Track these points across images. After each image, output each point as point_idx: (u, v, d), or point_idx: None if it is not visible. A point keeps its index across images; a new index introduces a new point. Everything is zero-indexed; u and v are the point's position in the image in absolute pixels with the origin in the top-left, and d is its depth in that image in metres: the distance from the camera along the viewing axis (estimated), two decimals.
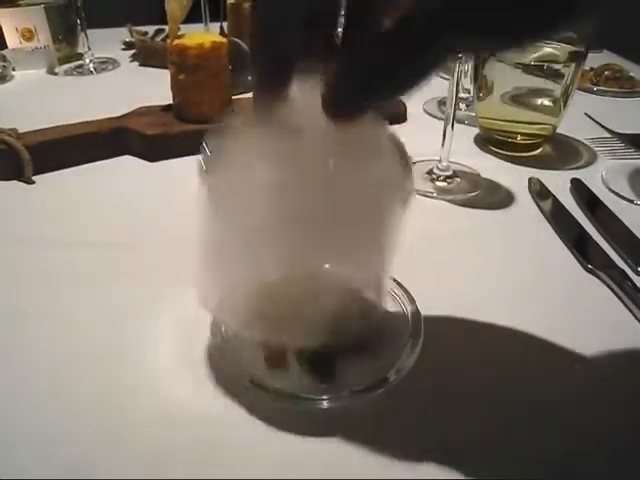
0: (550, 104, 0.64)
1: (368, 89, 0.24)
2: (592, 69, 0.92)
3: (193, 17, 0.82)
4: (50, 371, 0.37)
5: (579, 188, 0.59)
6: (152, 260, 0.48)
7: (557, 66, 0.62)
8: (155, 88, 0.73)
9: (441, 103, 0.83)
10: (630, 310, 0.42)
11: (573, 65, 0.61)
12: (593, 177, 0.62)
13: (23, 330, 0.40)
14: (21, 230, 0.52)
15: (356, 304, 0.38)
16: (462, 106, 0.80)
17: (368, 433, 0.33)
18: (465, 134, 0.72)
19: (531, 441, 0.32)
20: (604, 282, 0.45)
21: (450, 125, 0.57)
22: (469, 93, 0.79)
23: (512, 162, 0.66)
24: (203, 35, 0.68)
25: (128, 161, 0.66)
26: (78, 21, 0.97)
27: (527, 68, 0.63)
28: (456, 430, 0.33)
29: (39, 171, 0.61)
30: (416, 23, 0.21)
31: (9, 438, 0.32)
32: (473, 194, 0.59)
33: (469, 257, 0.49)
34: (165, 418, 0.33)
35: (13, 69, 0.96)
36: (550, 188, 0.59)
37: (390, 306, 0.41)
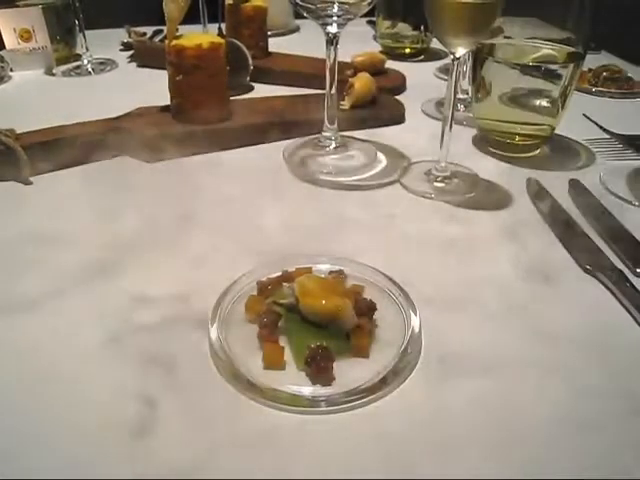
0: (548, 105, 0.64)
1: None
2: (590, 70, 0.92)
3: (191, 18, 0.82)
4: (48, 368, 0.36)
5: (577, 189, 0.59)
6: (150, 260, 0.48)
7: (555, 67, 0.62)
8: (153, 89, 0.73)
9: (439, 104, 0.83)
10: (628, 311, 0.42)
11: (571, 66, 0.61)
12: (591, 178, 0.62)
13: (19, 327, 0.40)
14: (18, 231, 0.52)
15: (355, 304, 0.38)
16: (460, 107, 0.80)
17: (366, 435, 0.33)
18: (463, 135, 0.72)
19: (531, 443, 0.32)
20: (602, 283, 0.45)
21: (448, 126, 0.57)
22: (467, 94, 0.79)
23: (510, 163, 0.66)
24: (201, 36, 0.68)
25: (126, 162, 0.66)
26: (76, 22, 0.97)
27: (525, 69, 0.63)
28: (455, 432, 0.33)
29: (37, 172, 0.61)
30: None
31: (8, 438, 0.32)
32: (471, 195, 0.59)
33: (467, 258, 0.49)
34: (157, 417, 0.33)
35: (11, 70, 0.96)
36: (548, 189, 0.58)
37: (388, 307, 0.41)
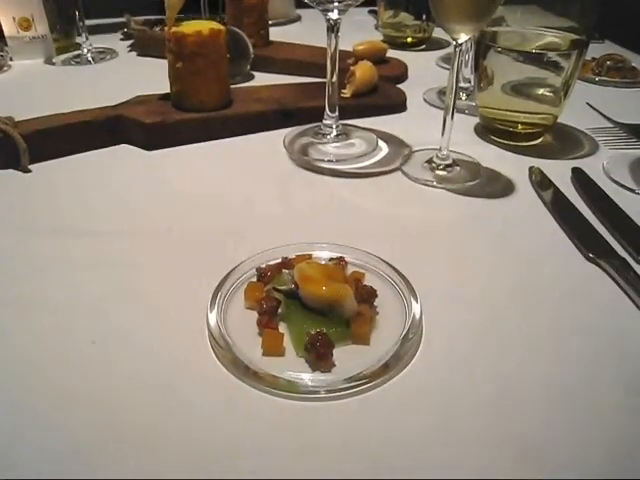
0: (551, 94, 0.64)
1: None
2: (594, 59, 0.92)
3: (191, 8, 0.81)
4: (36, 360, 0.36)
5: (580, 177, 0.59)
6: (150, 249, 0.47)
7: (558, 56, 0.62)
8: (153, 78, 0.72)
9: (441, 92, 0.82)
10: (631, 299, 0.41)
11: (575, 54, 0.61)
12: (594, 166, 0.61)
13: (13, 318, 0.40)
14: (17, 219, 0.52)
15: (355, 291, 0.38)
16: (462, 95, 0.79)
17: (367, 422, 0.32)
18: (465, 123, 0.71)
19: (534, 436, 0.32)
20: (605, 271, 0.45)
21: (450, 114, 0.57)
22: (469, 83, 0.79)
23: (513, 151, 0.65)
24: (201, 23, 0.67)
25: (126, 150, 0.65)
26: (76, 11, 0.96)
27: (528, 57, 0.62)
28: (458, 420, 0.33)
29: (36, 160, 0.60)
30: None
31: None
32: (473, 183, 0.58)
33: (469, 246, 0.49)
34: (157, 406, 0.33)
35: (10, 59, 0.96)
36: (551, 177, 0.58)
37: (389, 294, 0.40)
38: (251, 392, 0.34)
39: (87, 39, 1.00)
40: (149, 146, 0.65)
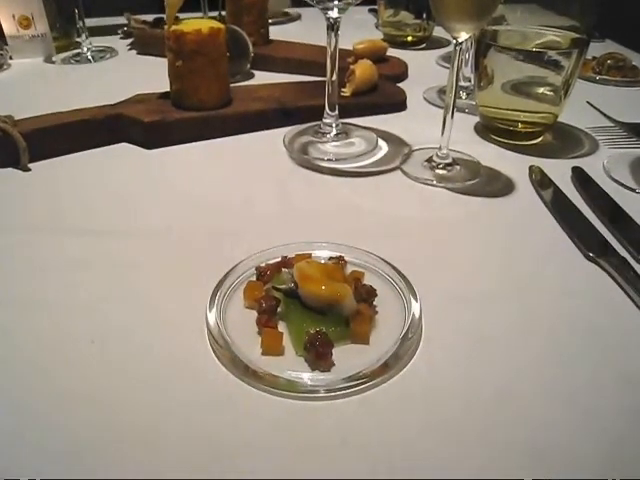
0: (551, 93, 0.63)
1: None
2: (594, 58, 0.92)
3: (191, 6, 0.81)
4: (34, 358, 0.36)
5: (580, 176, 0.59)
6: (149, 248, 0.47)
7: (558, 55, 0.61)
8: (153, 76, 0.72)
9: (441, 91, 0.82)
10: (631, 298, 0.41)
11: (575, 52, 0.61)
12: (594, 165, 0.61)
13: (13, 318, 0.39)
14: (17, 218, 0.52)
15: (355, 290, 0.38)
16: (462, 94, 0.79)
17: (366, 421, 0.32)
18: (465, 122, 0.71)
19: (534, 435, 0.32)
20: (605, 270, 0.45)
21: (450, 113, 0.57)
22: (470, 82, 0.79)
23: (513, 150, 0.65)
24: (201, 21, 0.67)
25: (125, 148, 0.65)
26: (76, 9, 0.96)
27: (528, 56, 0.62)
28: (457, 420, 0.32)
29: (35, 158, 0.60)
30: None
31: None
32: (473, 182, 0.58)
33: (469, 245, 0.49)
34: (156, 406, 0.33)
35: (10, 57, 0.96)
36: (551, 176, 0.58)
37: (388, 293, 0.40)
38: (250, 391, 0.34)
39: (87, 38, 1.00)
40: (148, 145, 0.65)
